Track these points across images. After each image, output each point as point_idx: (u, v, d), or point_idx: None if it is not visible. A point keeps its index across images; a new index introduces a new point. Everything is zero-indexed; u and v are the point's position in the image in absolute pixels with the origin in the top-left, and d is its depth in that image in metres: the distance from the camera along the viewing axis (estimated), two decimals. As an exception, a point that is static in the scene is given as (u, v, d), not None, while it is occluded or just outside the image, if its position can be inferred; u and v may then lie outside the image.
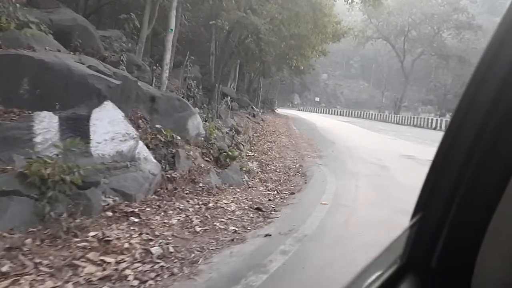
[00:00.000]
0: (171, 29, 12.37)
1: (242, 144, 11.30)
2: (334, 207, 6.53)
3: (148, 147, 7.17)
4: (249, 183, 8.61)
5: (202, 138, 8.66)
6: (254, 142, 15.41)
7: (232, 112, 24.33)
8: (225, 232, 5.23)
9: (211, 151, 8.54)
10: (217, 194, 7.09)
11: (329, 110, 66.62)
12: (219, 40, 22.52)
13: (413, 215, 0.90)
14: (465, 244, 0.82)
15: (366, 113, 56.38)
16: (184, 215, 5.71)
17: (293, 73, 44.36)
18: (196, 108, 11.64)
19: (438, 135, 1.07)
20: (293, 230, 5.20)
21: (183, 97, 13.36)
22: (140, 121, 8.02)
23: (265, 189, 8.27)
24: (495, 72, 0.77)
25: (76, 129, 5.98)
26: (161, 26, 20.89)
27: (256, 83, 40.23)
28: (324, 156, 12.86)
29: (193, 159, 7.56)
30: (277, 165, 11.23)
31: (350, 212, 6.36)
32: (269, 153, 13.37)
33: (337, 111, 65.65)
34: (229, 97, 28.07)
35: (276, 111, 43.58)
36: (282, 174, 10.12)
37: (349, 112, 60.71)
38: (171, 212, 5.81)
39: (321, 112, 63.03)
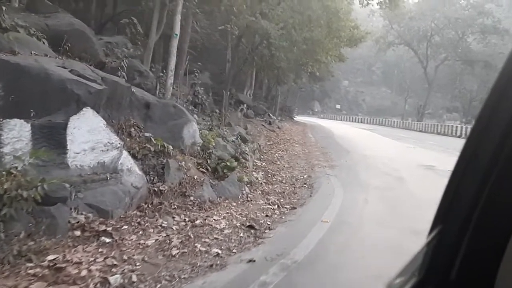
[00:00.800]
0: (176, 34, 11.92)
1: (247, 154, 10.67)
2: (335, 226, 5.83)
3: (135, 157, 6.64)
4: (249, 196, 7.98)
5: (199, 147, 8.09)
6: (265, 151, 14.80)
7: (246, 120, 23.86)
8: (206, 255, 4.61)
9: (208, 161, 7.96)
10: (209, 209, 6.49)
11: (350, 118, 65.41)
12: (234, 47, 22.11)
13: (432, 228, 0.89)
14: (485, 257, 0.81)
15: (388, 120, 54.99)
16: (165, 234, 5.12)
17: (312, 79, 43.63)
18: (195, 115, 11.11)
19: (462, 143, 0.88)
20: (282, 255, 4.54)
21: (190, 104, 12.90)
22: (132, 129, 7.51)
23: (265, 202, 7.62)
24: None
25: (51, 138, 5.48)
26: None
27: (274, 90, 39.60)
28: (336, 166, 12.11)
29: (185, 170, 6.98)
30: (284, 175, 10.55)
31: (353, 232, 5.65)
32: (278, 162, 12.71)
33: (359, 118, 64.41)
34: (245, 105, 27.63)
35: (294, 118, 42.77)
36: (288, 185, 9.45)
37: (370, 119, 59.42)
38: (151, 230, 5.23)
39: (341, 120, 61.92)
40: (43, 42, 8.60)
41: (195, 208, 6.40)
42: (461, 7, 55.79)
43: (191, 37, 24.17)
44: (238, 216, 6.37)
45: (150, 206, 5.96)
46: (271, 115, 30.66)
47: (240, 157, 10.38)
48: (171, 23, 15.87)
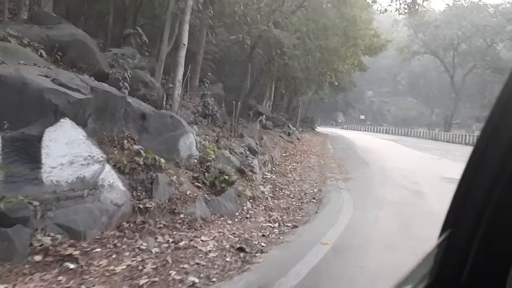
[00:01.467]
0: (184, 44, 11.53)
1: (254, 166, 10.08)
2: (336, 249, 5.14)
3: (122, 171, 6.15)
4: (250, 212, 7.37)
5: (195, 160, 7.55)
6: (278, 163, 14.19)
7: (264, 131, 23.25)
8: (179, 285, 4.02)
9: (206, 175, 7.40)
10: (199, 228, 5.91)
11: (374, 128, 63.89)
12: (255, 59, 21.71)
13: (442, 231, 0.89)
14: (495, 260, 0.80)
15: (414, 131, 53.34)
16: (140, 259, 4.56)
17: (334, 90, 42.79)
18: (195, 126, 10.61)
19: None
20: (265, 286, 3.90)
21: (199, 116, 12.45)
22: (126, 141, 7.04)
23: (266, 219, 6.99)
24: None
25: (24, 152, 5.04)
26: (190, 43, 20.40)
27: (296, 101, 38.95)
28: (351, 179, 11.35)
29: (177, 185, 6.44)
30: (293, 189, 9.89)
31: (355, 256, 4.95)
32: (290, 175, 12.05)
33: (383, 129, 62.81)
34: (264, 116, 27.09)
35: (316, 129, 41.90)
36: (295, 200, 8.79)
37: (396, 130, 57.79)
38: (126, 254, 4.69)
39: (365, 131, 60.52)
40: (40, 53, 8.33)
41: (184, 227, 5.83)
42: (489, 14, 53.87)
43: (210, 49, 23.96)
44: (230, 236, 5.76)
45: (132, 225, 5.43)
46: (290, 126, 29.96)
47: (246, 169, 9.81)
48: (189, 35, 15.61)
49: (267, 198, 8.76)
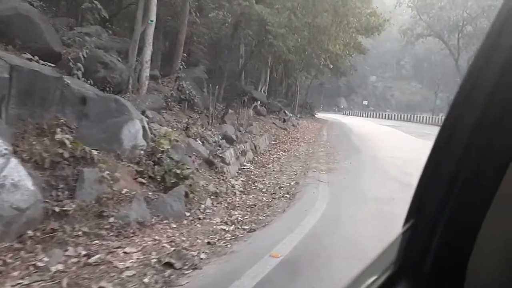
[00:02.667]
0: (151, 21, 10.41)
1: (224, 157, 9.03)
2: (286, 263, 4.09)
3: (40, 166, 5.10)
4: (207, 211, 6.34)
5: (142, 151, 6.48)
6: (262, 151, 13.14)
7: (257, 117, 22.18)
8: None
9: (154, 169, 6.34)
10: (131, 235, 4.88)
11: (377, 114, 62.38)
12: (246, 40, 20.45)
13: (406, 221, 0.89)
14: (457, 249, 0.81)
15: (417, 116, 51.91)
16: (27, 282, 3.55)
17: (334, 75, 41.42)
18: (164, 111, 9.54)
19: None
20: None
21: (173, 101, 11.38)
22: (59, 129, 6.00)
23: (222, 221, 5.96)
24: (486, 79, 0.76)
25: None
26: (173, 24, 19.17)
27: (294, 87, 37.66)
28: (335, 169, 10.27)
29: (111, 182, 5.39)
30: (268, 182, 8.85)
31: (308, 273, 3.92)
32: (271, 165, 11.00)
33: (386, 114, 61.25)
34: (258, 102, 26.01)
35: (315, 115, 40.64)
36: (266, 195, 7.75)
37: (399, 115, 56.28)
38: (14, 274, 3.67)
39: (368, 116, 59.12)
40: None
41: (111, 234, 4.80)
42: (495, -6, 51.86)
43: (200, 31, 22.68)
44: (166, 245, 4.72)
45: (39, 234, 4.40)
46: (287, 112, 28.83)
47: (216, 160, 8.76)
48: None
49: (235, 193, 7.73)
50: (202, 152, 8.56)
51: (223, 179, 8.37)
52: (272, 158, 12.21)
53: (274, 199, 7.48)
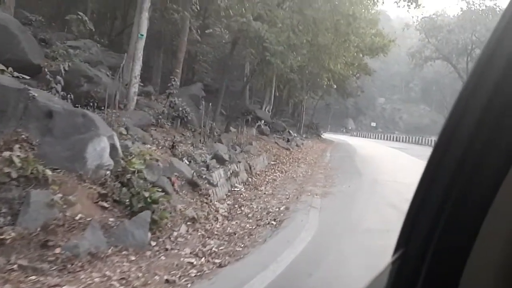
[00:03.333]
0: (141, 35, 9.93)
1: (209, 178, 8.36)
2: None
3: (-17, 187, 4.48)
4: (179, 239, 5.65)
5: (108, 171, 5.83)
6: (258, 172, 12.46)
7: (259, 137, 21.55)
8: None
9: (121, 192, 5.67)
10: (78, 270, 4.19)
11: (385, 136, 61.33)
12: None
13: (395, 251, 0.89)
14: (447, 277, 0.81)
15: (426, 139, 50.79)
16: None
17: (341, 95, 40.83)
18: (153, 128, 8.93)
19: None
20: None
21: (164, 118, 10.81)
22: (18, 145, 5.41)
23: (192, 252, 5.25)
24: (468, 118, 0.78)
25: None
26: (172, 42, 18.79)
27: (300, 107, 37.10)
28: (331, 193, 9.53)
29: (63, 206, 4.74)
30: (256, 206, 8.14)
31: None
32: (263, 187, 10.30)
33: (395, 136, 60.22)
34: (262, 121, 25.47)
35: (322, 136, 39.88)
36: (251, 222, 7.04)
37: (406, 138, 55.23)
38: None
39: (376, 138, 58.13)
40: None
41: (54, 268, 4.11)
42: (505, 18, 50.97)
43: (203, 50, 22.34)
44: (115, 283, 4.03)
45: (-37, 267, 3.74)
46: (291, 132, 28.20)
47: (201, 182, 8.09)
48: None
49: (217, 218, 7.03)
50: (185, 173, 7.90)
51: (206, 203, 7.69)
52: (267, 180, 11.50)
53: (259, 226, 6.76)
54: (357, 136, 61.32)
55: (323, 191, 9.83)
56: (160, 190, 6.00)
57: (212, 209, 7.47)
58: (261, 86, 26.47)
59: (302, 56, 13.11)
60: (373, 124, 75.27)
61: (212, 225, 6.58)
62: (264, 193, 9.39)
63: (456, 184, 0.78)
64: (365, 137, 60.60)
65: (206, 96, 27.32)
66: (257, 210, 7.85)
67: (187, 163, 8.96)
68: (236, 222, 6.97)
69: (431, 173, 0.83)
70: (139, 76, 10.06)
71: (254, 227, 6.67)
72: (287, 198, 8.83)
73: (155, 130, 10.28)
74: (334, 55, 15.01)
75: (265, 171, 13.20)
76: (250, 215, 7.46)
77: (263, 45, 12.41)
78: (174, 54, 15.94)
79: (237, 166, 10.99)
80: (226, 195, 9.06)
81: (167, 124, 10.63)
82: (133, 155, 6.47)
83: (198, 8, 15.59)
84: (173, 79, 11.21)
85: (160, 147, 8.84)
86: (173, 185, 7.23)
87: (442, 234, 0.80)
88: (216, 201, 8.13)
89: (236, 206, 8.05)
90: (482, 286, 0.77)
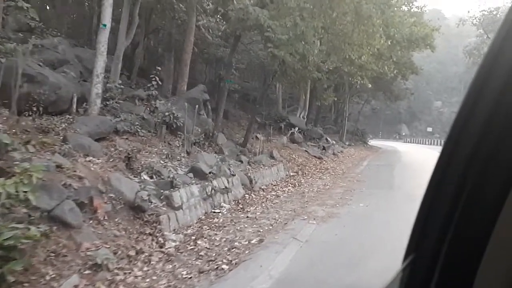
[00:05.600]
0: (104, 25, 8.17)
1: (169, 199, 6.32)
2: None
3: None
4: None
5: None
6: (263, 187, 10.38)
7: (291, 145, 19.33)
8: None
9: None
10: None
11: (442, 142, 55.95)
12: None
13: (405, 257, 0.86)
14: (458, 283, 0.79)
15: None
16: None
17: (387, 98, 37.25)
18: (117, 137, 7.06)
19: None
20: None
21: (144, 124, 8.99)
22: None
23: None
24: (478, 115, 0.75)
25: None
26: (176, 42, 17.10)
27: (343, 112, 34.18)
28: (336, 216, 7.13)
29: None
30: (220, 238, 5.96)
31: None
32: (254, 207, 8.12)
33: (453, 142, 54.67)
34: (296, 128, 23.28)
35: (368, 143, 36.49)
36: (194, 266, 4.87)
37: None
38: None
39: (431, 144, 53.07)
40: None
41: None
42: None
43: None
44: None
45: None
46: (329, 139, 25.57)
47: (147, 205, 6.04)
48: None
49: (149, 260, 4.93)
50: (126, 193, 5.89)
51: (150, 234, 5.63)
52: (267, 197, 9.26)
53: (201, 273, 4.59)
54: (410, 142, 56.57)
55: (328, 212, 7.41)
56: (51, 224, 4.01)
57: (153, 245, 5.40)
58: (298, 91, 24.16)
59: (312, 46, 10.72)
60: (429, 129, 69.67)
61: (129, 273, 4.48)
62: (247, 217, 7.16)
63: (466, 187, 0.76)
64: (420, 143, 55.72)
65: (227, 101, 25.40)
66: (218, 244, 5.65)
67: (146, 179, 6.98)
68: (174, 266, 4.82)
69: (440, 176, 0.81)
70: (102, 75, 8.27)
71: (191, 276, 4.49)
72: (271, 225, 6.53)
73: (126, 139, 8.43)
74: (356, 44, 12.34)
75: (275, 185, 10.95)
76: (202, 253, 5.29)
77: (265, 35, 10.22)
78: (180, 56, 14.16)
79: (227, 180, 8.85)
80: (197, 219, 6.95)
81: (142, 132, 8.72)
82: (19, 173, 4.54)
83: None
84: (153, 79, 9.32)
85: (111, 160, 6.93)
86: (95, 211, 5.24)
87: (453, 238, 0.77)
88: (171, 231, 6.04)
89: (195, 237, 5.90)
90: None
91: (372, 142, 39.46)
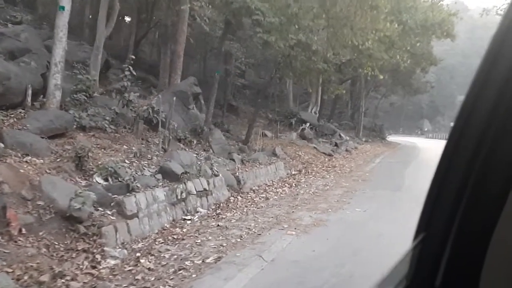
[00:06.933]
0: (61, 7, 7.15)
1: (121, 206, 5.25)
2: None
3: None
4: None
5: None
6: (254, 188, 9.32)
7: (300, 141, 18.13)
8: None
9: None
10: None
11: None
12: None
13: (416, 235, 0.85)
14: (468, 262, 0.78)
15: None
16: None
17: (406, 92, 35.31)
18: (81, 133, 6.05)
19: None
20: None
21: (114, 120, 8.00)
22: None
23: None
24: (486, 96, 0.75)
25: None
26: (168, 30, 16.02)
27: (360, 107, 32.54)
28: (323, 224, 5.90)
29: None
30: (171, 256, 4.82)
31: None
32: (232, 213, 6.99)
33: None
34: (307, 124, 22.04)
35: (386, 139, 34.67)
36: (134, 287, 3.76)
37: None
38: None
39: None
40: None
41: None
42: None
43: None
44: None
45: None
46: (342, 135, 24.11)
47: (85, 216, 4.97)
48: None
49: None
50: (58, 200, 4.83)
51: (83, 250, 4.54)
52: (255, 200, 8.11)
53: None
54: (433, 138, 54.10)
55: (315, 219, 6.19)
56: None
57: (84, 264, 4.31)
58: (305, 85, 22.80)
59: (305, 30, 9.42)
60: (452, 124, 66.74)
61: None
62: (218, 225, 6.00)
63: (475, 166, 0.75)
64: (443, 139, 53.18)
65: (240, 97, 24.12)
66: (166, 263, 4.53)
67: (99, 182, 5.93)
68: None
69: (451, 155, 0.80)
70: (62, 64, 7.25)
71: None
72: (240, 237, 5.35)
73: (93, 135, 7.42)
74: (358, 28, 10.88)
75: (269, 185, 9.79)
76: (140, 276, 4.19)
77: (253, 18, 9.00)
78: (174, 46, 13.12)
79: (207, 182, 7.73)
80: (159, 229, 5.86)
81: (111, 127, 7.68)
82: None
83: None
84: (126, 69, 8.29)
85: (58, 160, 5.91)
86: (7, 224, 4.20)
87: (463, 216, 0.77)
88: (117, 246, 4.96)
89: (140, 254, 4.79)
90: (507, 268, 0.74)
91: (392, 138, 37.60)
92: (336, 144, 20.90)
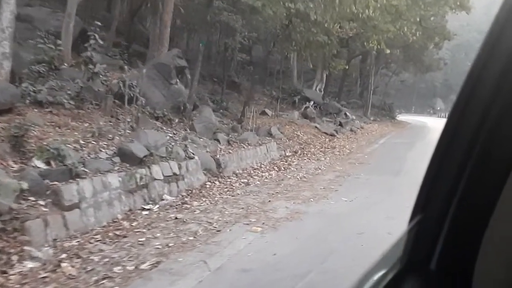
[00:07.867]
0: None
1: (56, 196, 4.38)
2: None
3: None
4: None
5: None
6: (237, 172, 8.40)
7: (301, 120, 17.13)
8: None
9: None
10: None
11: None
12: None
13: (412, 217, 0.83)
14: (464, 245, 0.77)
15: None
16: None
17: (418, 70, 33.67)
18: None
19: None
20: None
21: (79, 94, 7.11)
22: None
23: None
24: (493, 67, 0.72)
25: None
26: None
27: (369, 85, 31.13)
28: (299, 218, 4.98)
29: None
30: (101, 258, 3.97)
31: None
32: (200, 201, 6.08)
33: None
34: (311, 102, 21.01)
35: (396, 118, 33.31)
36: None
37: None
38: None
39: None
40: None
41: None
42: None
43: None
44: None
45: None
46: (348, 114, 22.95)
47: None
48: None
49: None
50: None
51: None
52: (234, 185, 7.23)
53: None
54: (445, 117, 52.26)
55: (292, 211, 5.28)
56: None
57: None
58: (305, 59, 21.54)
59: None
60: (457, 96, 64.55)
61: None
62: (176, 218, 5.12)
63: (474, 149, 0.73)
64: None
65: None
66: (92, 268, 3.69)
67: (37, 166, 5.07)
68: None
69: (450, 136, 0.78)
70: (10, 29, 6.32)
71: None
72: (194, 235, 4.46)
73: (49, 112, 6.56)
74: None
75: (255, 169, 8.91)
76: (51, 287, 3.33)
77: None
78: (161, 17, 12.08)
79: (179, 165, 6.84)
80: (109, 222, 5.01)
81: (70, 103, 6.78)
82: None
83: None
84: (92, 37, 7.33)
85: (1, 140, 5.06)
86: None
87: (461, 199, 0.75)
88: (44, 244, 4.12)
89: (66, 255, 3.94)
90: (504, 250, 0.71)
91: (402, 117, 36.21)
92: (340, 124, 19.82)
